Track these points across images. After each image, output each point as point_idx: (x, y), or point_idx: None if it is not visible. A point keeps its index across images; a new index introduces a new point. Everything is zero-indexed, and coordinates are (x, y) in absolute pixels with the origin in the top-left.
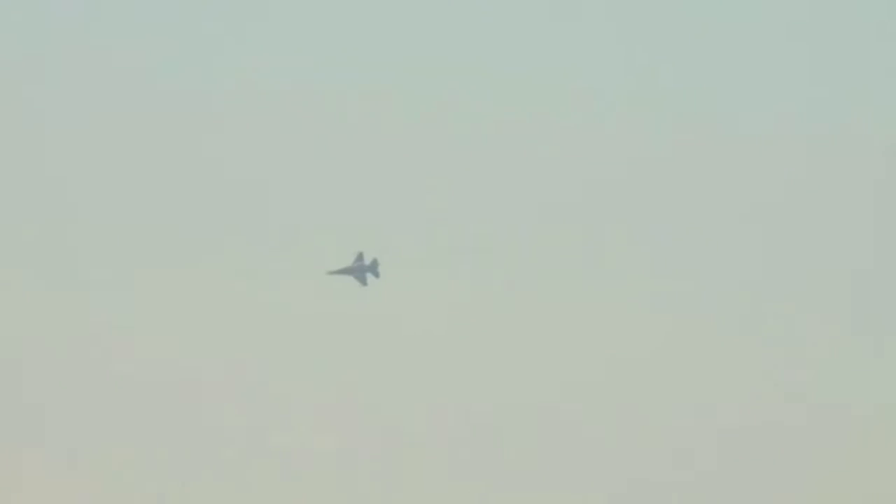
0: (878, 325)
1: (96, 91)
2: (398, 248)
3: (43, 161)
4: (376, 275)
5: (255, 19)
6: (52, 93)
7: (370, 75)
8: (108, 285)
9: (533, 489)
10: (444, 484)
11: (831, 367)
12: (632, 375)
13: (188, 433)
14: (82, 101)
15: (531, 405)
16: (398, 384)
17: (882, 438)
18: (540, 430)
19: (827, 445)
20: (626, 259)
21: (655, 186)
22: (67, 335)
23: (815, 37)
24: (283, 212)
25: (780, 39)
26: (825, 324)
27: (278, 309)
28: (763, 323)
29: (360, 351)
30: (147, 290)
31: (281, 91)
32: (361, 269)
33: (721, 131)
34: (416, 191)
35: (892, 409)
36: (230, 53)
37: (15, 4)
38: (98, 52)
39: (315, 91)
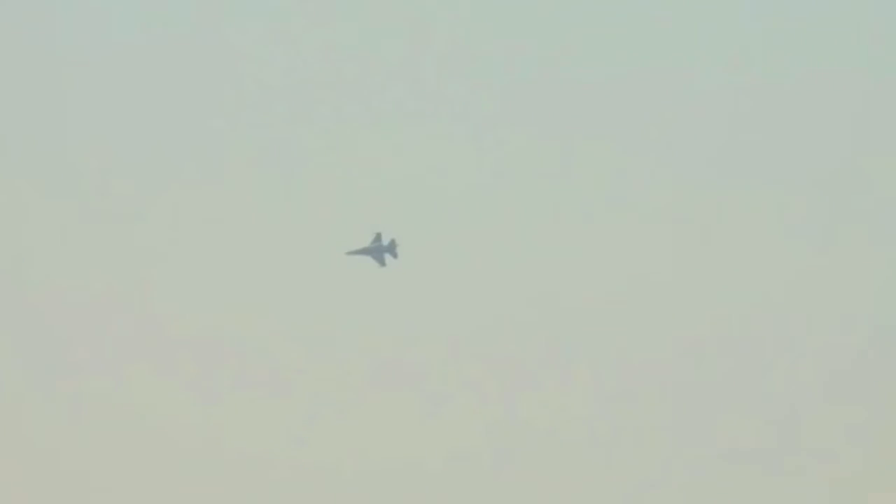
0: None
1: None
2: (416, 229)
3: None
4: (394, 255)
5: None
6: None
7: (392, 61)
8: (130, 265)
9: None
10: (459, 466)
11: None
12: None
13: (194, 419)
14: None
15: (545, 389)
16: (415, 366)
17: None
18: (556, 420)
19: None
20: (640, 259)
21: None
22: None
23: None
24: (302, 193)
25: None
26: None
27: (295, 289)
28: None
29: (378, 329)
30: (162, 276)
31: (302, 74)
32: (379, 250)
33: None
34: (434, 172)
35: None
36: (257, 38)
37: None
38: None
39: (335, 75)
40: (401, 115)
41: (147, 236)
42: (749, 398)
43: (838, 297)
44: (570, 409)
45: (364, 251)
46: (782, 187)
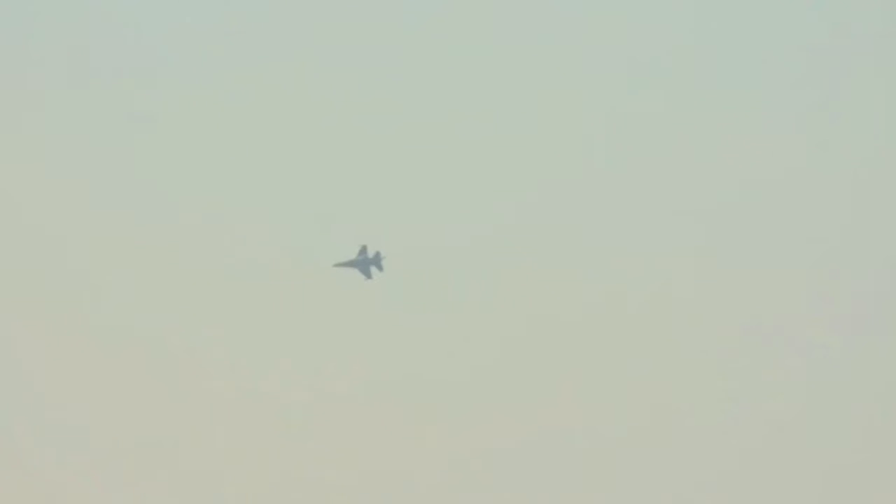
0: None
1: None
2: (402, 242)
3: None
4: (380, 268)
5: (264, 18)
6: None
7: (378, 73)
8: (118, 283)
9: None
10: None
11: None
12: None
13: (189, 428)
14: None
15: (528, 403)
16: (402, 377)
17: None
18: (544, 430)
19: None
20: (621, 265)
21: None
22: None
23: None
24: (290, 204)
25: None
26: None
27: (283, 300)
28: None
29: (365, 341)
30: (157, 285)
31: (289, 86)
32: (365, 263)
33: None
34: (418, 186)
35: None
36: (241, 50)
37: None
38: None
39: (322, 87)
40: (388, 126)
41: (147, 247)
42: None
43: None
44: (562, 421)
45: (350, 264)
46: None
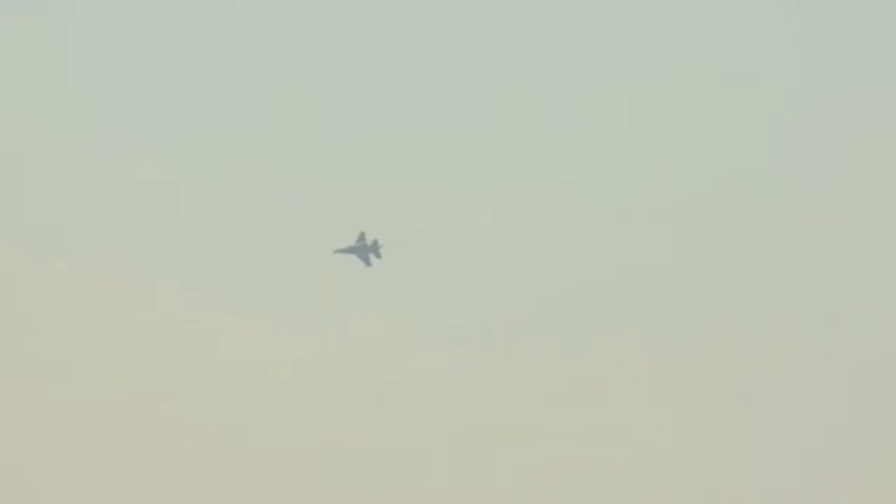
0: None
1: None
2: (400, 230)
3: None
4: (378, 255)
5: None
6: None
7: (373, 64)
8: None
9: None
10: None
11: None
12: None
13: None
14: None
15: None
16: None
17: None
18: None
19: None
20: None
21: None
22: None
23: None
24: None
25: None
26: None
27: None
28: None
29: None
30: (152, 271)
31: (284, 75)
32: (364, 250)
33: None
34: (419, 176)
35: None
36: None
37: None
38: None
39: (317, 76)
40: (391, 116)
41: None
42: None
43: None
44: (558, 406)
45: (350, 250)
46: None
